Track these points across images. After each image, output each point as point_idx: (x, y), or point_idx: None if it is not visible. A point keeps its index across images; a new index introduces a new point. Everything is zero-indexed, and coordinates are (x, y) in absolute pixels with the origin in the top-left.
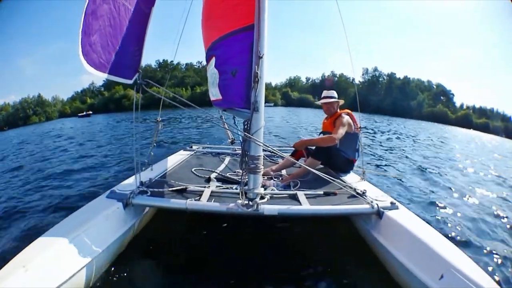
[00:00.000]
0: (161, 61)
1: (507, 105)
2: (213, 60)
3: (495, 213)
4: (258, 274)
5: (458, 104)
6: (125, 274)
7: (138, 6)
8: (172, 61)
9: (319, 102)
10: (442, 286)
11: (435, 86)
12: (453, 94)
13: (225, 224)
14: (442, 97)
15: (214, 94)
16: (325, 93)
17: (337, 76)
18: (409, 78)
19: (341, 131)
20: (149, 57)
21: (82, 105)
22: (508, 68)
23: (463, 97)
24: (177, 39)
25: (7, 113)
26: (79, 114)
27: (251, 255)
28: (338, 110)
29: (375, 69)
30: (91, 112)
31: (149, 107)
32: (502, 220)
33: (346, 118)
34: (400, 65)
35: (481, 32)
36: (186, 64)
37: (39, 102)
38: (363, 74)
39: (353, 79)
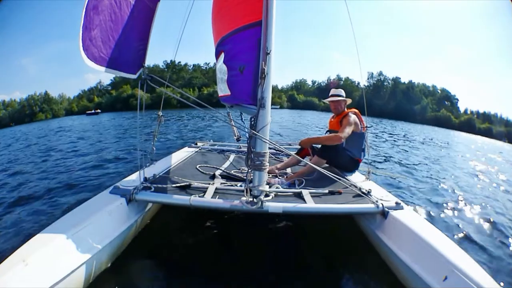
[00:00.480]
0: (168, 61)
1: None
2: (222, 56)
3: (500, 216)
4: (262, 271)
5: (462, 109)
6: (126, 270)
7: (141, 0)
8: (180, 62)
9: (327, 100)
10: (446, 287)
11: (439, 91)
12: (457, 99)
13: (229, 222)
14: (446, 102)
15: (223, 89)
16: (332, 91)
17: (343, 79)
18: (414, 82)
19: (348, 130)
20: (157, 58)
21: (89, 103)
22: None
23: (468, 102)
24: (183, 39)
25: (13, 109)
26: (88, 112)
27: (255, 252)
28: (346, 109)
29: (380, 73)
30: (99, 111)
31: (156, 107)
32: (507, 223)
33: (353, 117)
34: (404, 68)
35: (489, 34)
36: (194, 65)
37: (46, 100)
38: (368, 78)
39: (358, 83)
